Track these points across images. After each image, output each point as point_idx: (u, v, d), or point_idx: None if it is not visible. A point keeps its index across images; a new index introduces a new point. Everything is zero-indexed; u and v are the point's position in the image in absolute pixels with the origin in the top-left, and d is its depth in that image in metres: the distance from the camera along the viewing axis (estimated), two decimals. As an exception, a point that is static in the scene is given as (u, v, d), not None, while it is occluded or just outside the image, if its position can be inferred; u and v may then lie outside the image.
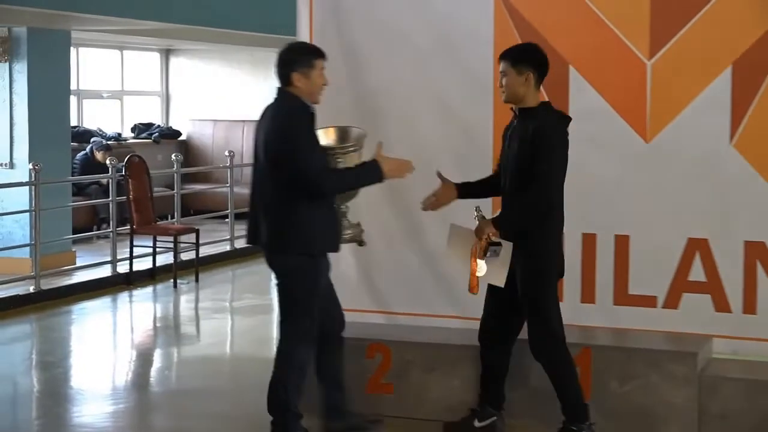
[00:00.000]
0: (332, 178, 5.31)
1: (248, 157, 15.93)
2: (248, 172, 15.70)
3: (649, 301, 6.10)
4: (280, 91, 5.37)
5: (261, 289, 11.24)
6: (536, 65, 5.39)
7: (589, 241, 6.16)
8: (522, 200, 5.33)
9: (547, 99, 5.54)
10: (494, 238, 5.33)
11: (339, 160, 5.43)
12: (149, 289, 10.90)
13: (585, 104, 6.11)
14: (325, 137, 5.54)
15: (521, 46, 5.60)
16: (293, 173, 5.18)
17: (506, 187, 5.45)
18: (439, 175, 5.61)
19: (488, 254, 5.34)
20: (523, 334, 5.53)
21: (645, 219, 6.09)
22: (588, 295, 6.18)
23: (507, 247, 5.33)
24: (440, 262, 6.17)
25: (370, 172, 5.35)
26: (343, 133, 5.57)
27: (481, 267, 5.35)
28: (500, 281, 5.37)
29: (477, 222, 5.41)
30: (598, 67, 6.13)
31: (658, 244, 6.06)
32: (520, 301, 5.42)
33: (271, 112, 5.37)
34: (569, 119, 5.47)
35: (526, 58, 5.40)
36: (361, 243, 5.68)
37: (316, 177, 5.19)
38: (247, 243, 5.55)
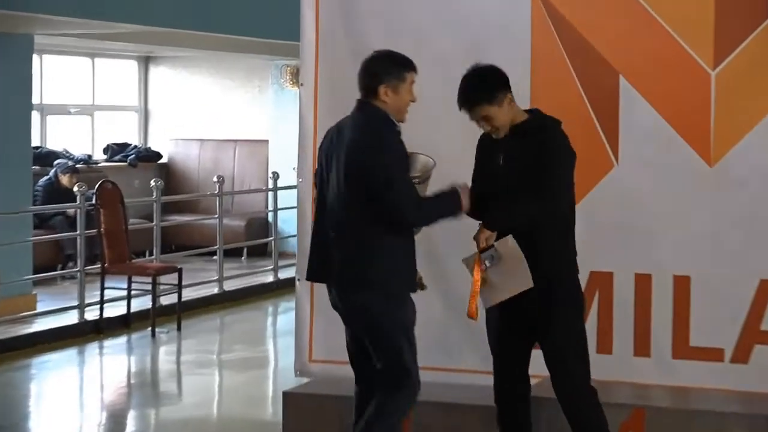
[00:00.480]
0: (420, 207, 5.37)
1: (239, 183, 16.02)
2: (239, 200, 15.77)
3: (714, 355, 6.10)
4: (361, 103, 5.43)
5: (254, 339, 11.25)
6: (505, 81, 5.46)
7: (643, 283, 6.17)
8: (525, 204, 5.34)
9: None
10: (488, 244, 5.35)
11: None
12: (123, 339, 10.90)
13: (638, 121, 6.14)
14: None
15: (477, 78, 5.52)
16: (380, 195, 5.23)
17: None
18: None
19: (487, 264, 5.33)
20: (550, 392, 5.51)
21: (709, 257, 6.09)
22: (642, 347, 6.18)
23: (502, 244, 5.32)
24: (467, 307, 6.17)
25: (449, 204, 5.42)
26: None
27: (486, 282, 5.36)
28: (525, 283, 5.32)
29: None
30: (653, 77, 6.16)
31: (724, 287, 6.06)
32: (541, 336, 5.42)
33: (350, 125, 5.41)
34: (560, 122, 5.53)
35: (495, 84, 5.44)
36: (422, 287, 5.68)
37: (406, 205, 5.27)
38: (310, 279, 5.60)
